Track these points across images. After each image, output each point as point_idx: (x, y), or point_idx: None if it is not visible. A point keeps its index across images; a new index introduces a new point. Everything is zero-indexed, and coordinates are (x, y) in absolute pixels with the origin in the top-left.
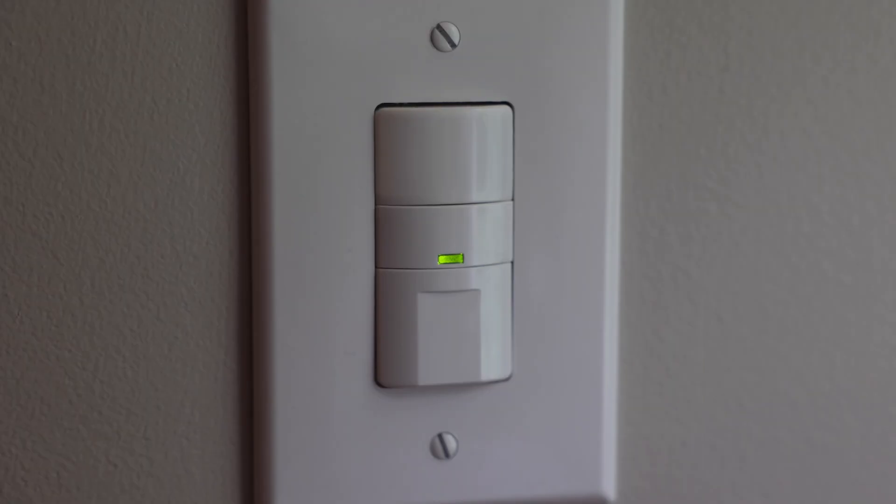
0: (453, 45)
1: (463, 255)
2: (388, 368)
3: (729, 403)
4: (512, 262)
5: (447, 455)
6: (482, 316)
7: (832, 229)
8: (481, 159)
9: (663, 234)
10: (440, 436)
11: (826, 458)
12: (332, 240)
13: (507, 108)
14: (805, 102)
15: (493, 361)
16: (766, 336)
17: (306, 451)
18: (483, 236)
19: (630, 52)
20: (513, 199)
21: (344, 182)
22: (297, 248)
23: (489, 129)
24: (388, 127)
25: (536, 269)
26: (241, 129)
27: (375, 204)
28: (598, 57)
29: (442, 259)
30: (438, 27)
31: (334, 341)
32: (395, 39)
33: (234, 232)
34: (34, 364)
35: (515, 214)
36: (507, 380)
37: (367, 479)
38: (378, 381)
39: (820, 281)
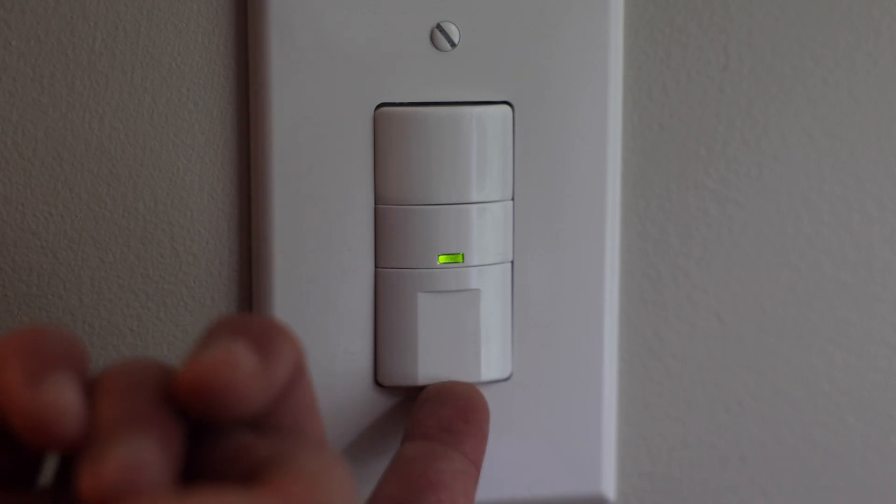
0: (453, 45)
1: (463, 254)
2: (388, 368)
3: (729, 403)
4: (512, 262)
5: None
6: (482, 316)
7: (832, 229)
8: (481, 159)
9: (663, 234)
10: None
11: (826, 458)
12: (332, 239)
13: (507, 107)
14: (805, 102)
15: (493, 361)
16: (766, 336)
17: None
18: (483, 236)
19: (630, 51)
20: (513, 199)
21: (344, 182)
22: (296, 248)
23: (489, 128)
24: (388, 126)
25: (536, 268)
26: (241, 128)
27: (375, 204)
28: (598, 57)
29: (442, 259)
30: (438, 27)
31: (334, 341)
32: (394, 39)
33: (233, 231)
34: None
35: (515, 214)
36: (507, 380)
37: (367, 478)
38: (378, 380)
39: (820, 281)
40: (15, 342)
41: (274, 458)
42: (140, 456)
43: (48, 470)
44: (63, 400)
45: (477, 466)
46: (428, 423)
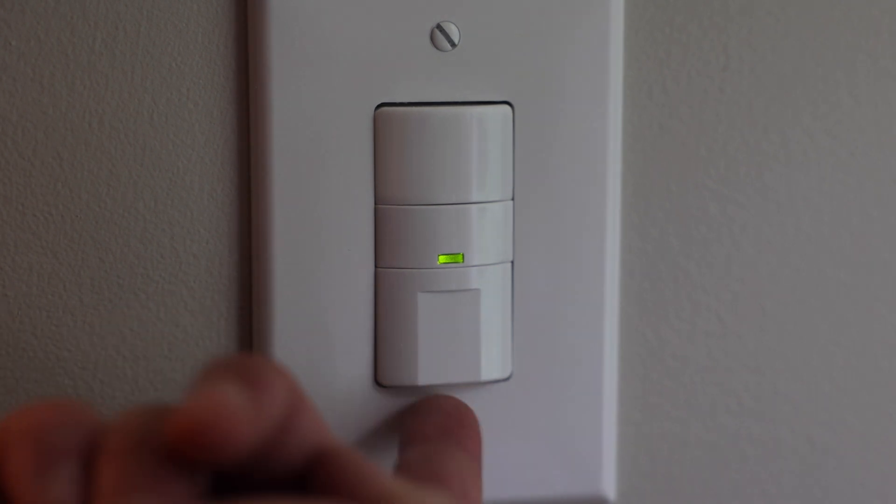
0: (453, 45)
1: (463, 254)
2: (388, 368)
3: (729, 403)
4: (512, 262)
5: None
6: (482, 316)
7: (832, 229)
8: (481, 159)
9: (663, 234)
10: None
11: (826, 458)
12: (332, 239)
13: (507, 107)
14: (805, 102)
15: (493, 361)
16: (766, 336)
17: None
18: (483, 236)
19: (630, 52)
20: (513, 199)
21: (344, 182)
22: (297, 248)
23: (489, 128)
24: (388, 126)
25: (536, 269)
26: (241, 128)
27: (375, 203)
28: (598, 57)
29: (442, 259)
30: (438, 26)
31: (334, 341)
32: (395, 39)
33: (233, 231)
34: (34, 364)
35: (515, 214)
36: (507, 379)
37: None
38: (378, 380)
39: (820, 281)
40: (23, 425)
41: None
42: None
43: None
44: (68, 499)
45: (480, 464)
46: (424, 429)
